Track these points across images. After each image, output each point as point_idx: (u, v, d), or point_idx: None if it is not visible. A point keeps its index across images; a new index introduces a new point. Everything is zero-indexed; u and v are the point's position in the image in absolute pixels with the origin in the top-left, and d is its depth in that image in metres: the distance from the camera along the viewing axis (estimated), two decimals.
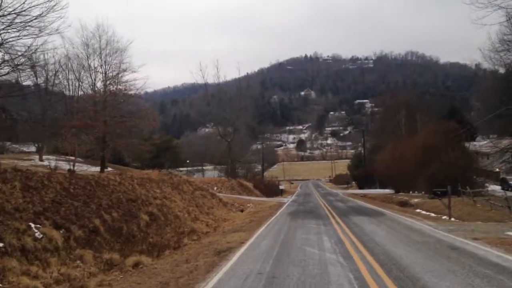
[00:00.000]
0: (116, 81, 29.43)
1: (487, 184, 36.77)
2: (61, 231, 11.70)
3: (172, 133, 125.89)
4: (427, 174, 33.50)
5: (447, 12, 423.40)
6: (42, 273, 9.55)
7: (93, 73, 29.93)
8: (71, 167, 19.05)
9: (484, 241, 12.28)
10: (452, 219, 20.96)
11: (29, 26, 17.93)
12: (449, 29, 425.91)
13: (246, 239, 14.17)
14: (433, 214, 24.16)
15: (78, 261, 10.98)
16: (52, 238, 10.97)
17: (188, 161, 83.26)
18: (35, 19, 17.97)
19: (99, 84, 29.94)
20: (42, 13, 17.93)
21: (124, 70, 29.32)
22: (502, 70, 35.57)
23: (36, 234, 10.67)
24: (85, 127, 27.58)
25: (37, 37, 18.13)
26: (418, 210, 27.80)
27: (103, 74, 29.52)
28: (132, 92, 28.97)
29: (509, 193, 26.05)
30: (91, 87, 30.65)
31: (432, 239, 13.08)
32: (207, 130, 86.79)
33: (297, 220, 20.79)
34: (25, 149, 47.53)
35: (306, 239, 13.51)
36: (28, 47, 18.95)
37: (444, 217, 22.03)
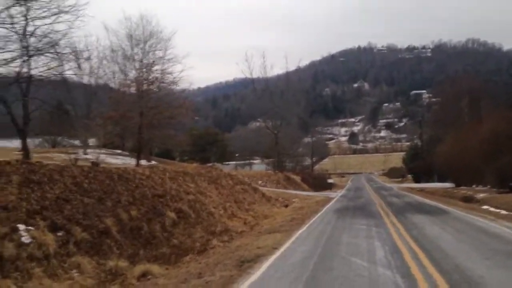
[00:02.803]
0: (157, 70, 28.23)
1: None
2: (59, 234, 9.94)
3: (224, 127, 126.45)
4: (497, 166, 29.66)
5: None
6: None
7: (137, 64, 28.84)
8: (96, 160, 17.55)
9: None
10: None
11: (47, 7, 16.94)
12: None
13: (281, 243, 11.89)
14: (504, 212, 20.69)
15: (73, 271, 9.16)
16: (43, 243, 9.16)
17: (237, 155, 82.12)
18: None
19: (140, 74, 28.81)
20: None
21: (167, 60, 28.08)
22: None
23: (23, 239, 8.91)
24: (122, 118, 26.46)
25: (56, 16, 16.98)
26: (485, 207, 24.30)
27: (144, 64, 28.37)
28: (169, 81, 27.50)
29: None
30: (136, 78, 29.60)
31: None
32: (257, 124, 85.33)
33: (345, 219, 18.21)
34: (76, 143, 47.99)
35: (353, 246, 11.04)
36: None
37: None
